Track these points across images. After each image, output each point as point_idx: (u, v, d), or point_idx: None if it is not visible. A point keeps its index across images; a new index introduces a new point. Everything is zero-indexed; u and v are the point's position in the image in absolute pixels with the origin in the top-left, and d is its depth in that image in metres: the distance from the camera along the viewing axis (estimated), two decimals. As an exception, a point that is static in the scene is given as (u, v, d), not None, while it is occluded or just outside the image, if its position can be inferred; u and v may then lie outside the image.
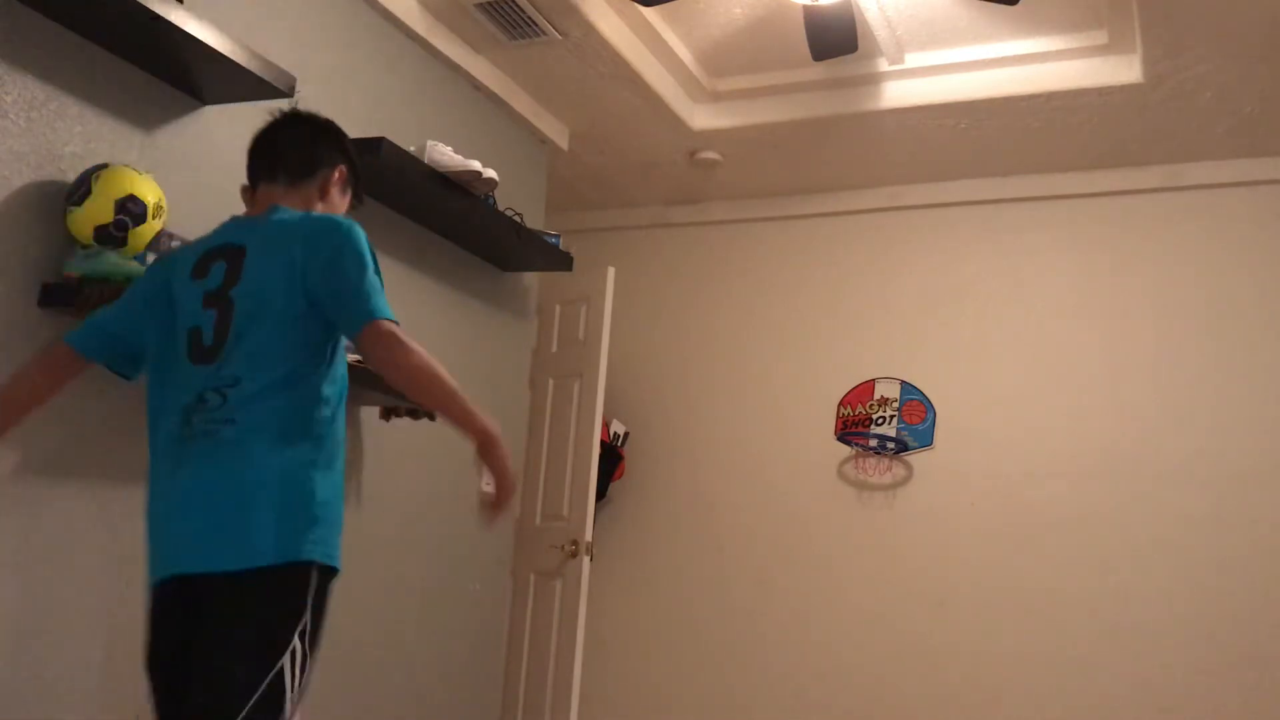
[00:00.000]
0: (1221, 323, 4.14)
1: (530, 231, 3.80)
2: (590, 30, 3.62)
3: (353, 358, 2.45)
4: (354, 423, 3.30)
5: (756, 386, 4.87)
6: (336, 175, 2.15)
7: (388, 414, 3.36)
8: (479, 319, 3.95)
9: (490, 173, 3.43)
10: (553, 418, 4.46)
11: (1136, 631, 4.02)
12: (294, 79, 2.72)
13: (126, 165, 2.46)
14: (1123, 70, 3.71)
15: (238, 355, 1.91)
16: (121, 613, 2.59)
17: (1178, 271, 4.24)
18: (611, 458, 4.82)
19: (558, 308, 4.55)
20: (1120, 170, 4.36)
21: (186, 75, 2.67)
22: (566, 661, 4.12)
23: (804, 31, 3.39)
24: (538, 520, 4.41)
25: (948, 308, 4.59)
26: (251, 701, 1.78)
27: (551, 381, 4.50)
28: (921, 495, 4.48)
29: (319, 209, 2.11)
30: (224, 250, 2.01)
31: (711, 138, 4.43)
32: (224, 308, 1.94)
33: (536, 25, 3.60)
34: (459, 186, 3.38)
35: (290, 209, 2.05)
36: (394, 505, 3.50)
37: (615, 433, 4.88)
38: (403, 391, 1.96)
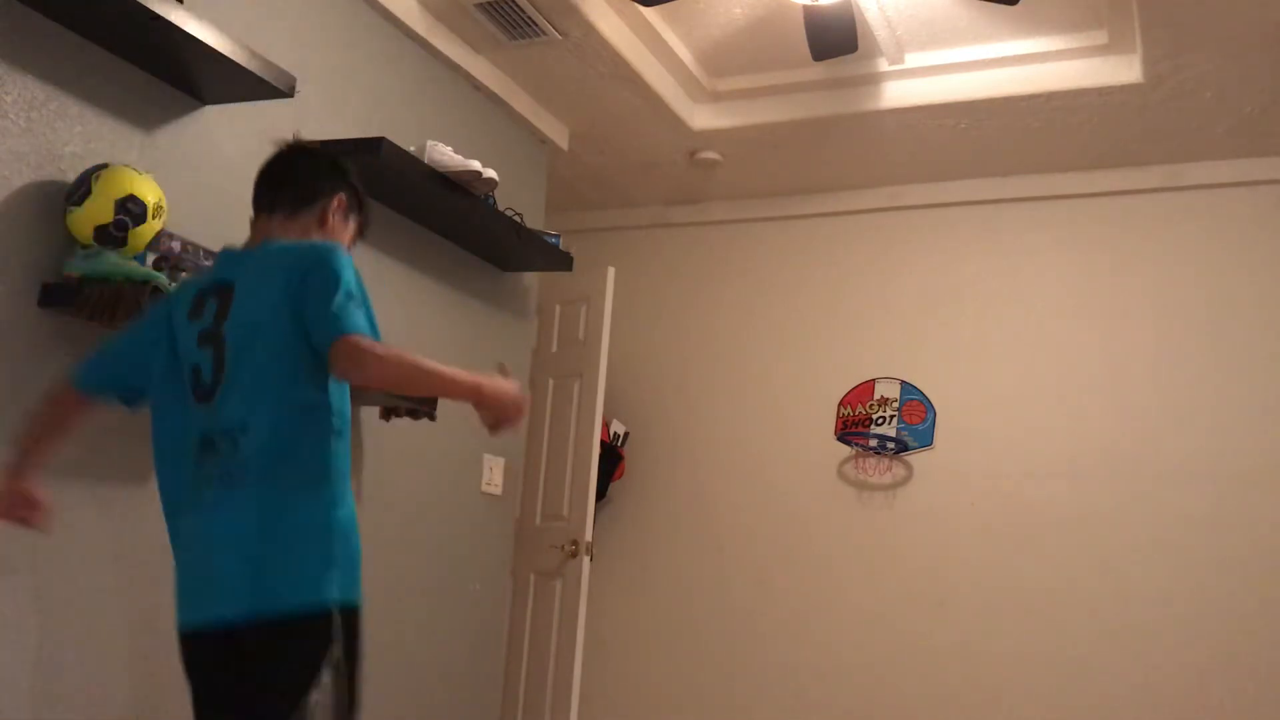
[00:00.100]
0: (1221, 323, 4.14)
1: (530, 231, 3.80)
2: (590, 30, 3.62)
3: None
4: (354, 423, 3.30)
5: (756, 386, 4.87)
6: (336, 204, 2.14)
7: (388, 414, 3.36)
8: (479, 319, 3.95)
9: (490, 173, 3.43)
10: (553, 418, 4.46)
11: (1136, 631, 4.02)
12: (294, 79, 2.72)
13: (126, 165, 2.46)
14: (1123, 70, 3.70)
15: (236, 392, 1.91)
16: (121, 612, 2.59)
17: (1178, 271, 4.24)
18: (611, 458, 4.82)
19: (558, 308, 4.55)
20: (1120, 170, 4.36)
21: (186, 75, 2.67)
22: (566, 661, 4.12)
23: (804, 31, 3.39)
24: (538, 520, 4.41)
25: (948, 308, 4.59)
26: None
27: (551, 381, 4.50)
28: (921, 495, 4.48)
29: (317, 237, 2.10)
30: (216, 288, 2.01)
31: (711, 138, 4.43)
32: (218, 345, 1.95)
33: (536, 25, 3.60)
34: (459, 186, 3.38)
35: (284, 239, 2.05)
36: (394, 505, 3.50)
37: (615, 433, 4.88)
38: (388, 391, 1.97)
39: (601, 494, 4.74)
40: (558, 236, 3.98)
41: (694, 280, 5.11)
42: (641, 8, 3.49)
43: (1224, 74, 3.59)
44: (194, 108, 2.79)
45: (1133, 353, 4.24)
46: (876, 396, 4.62)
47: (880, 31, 3.73)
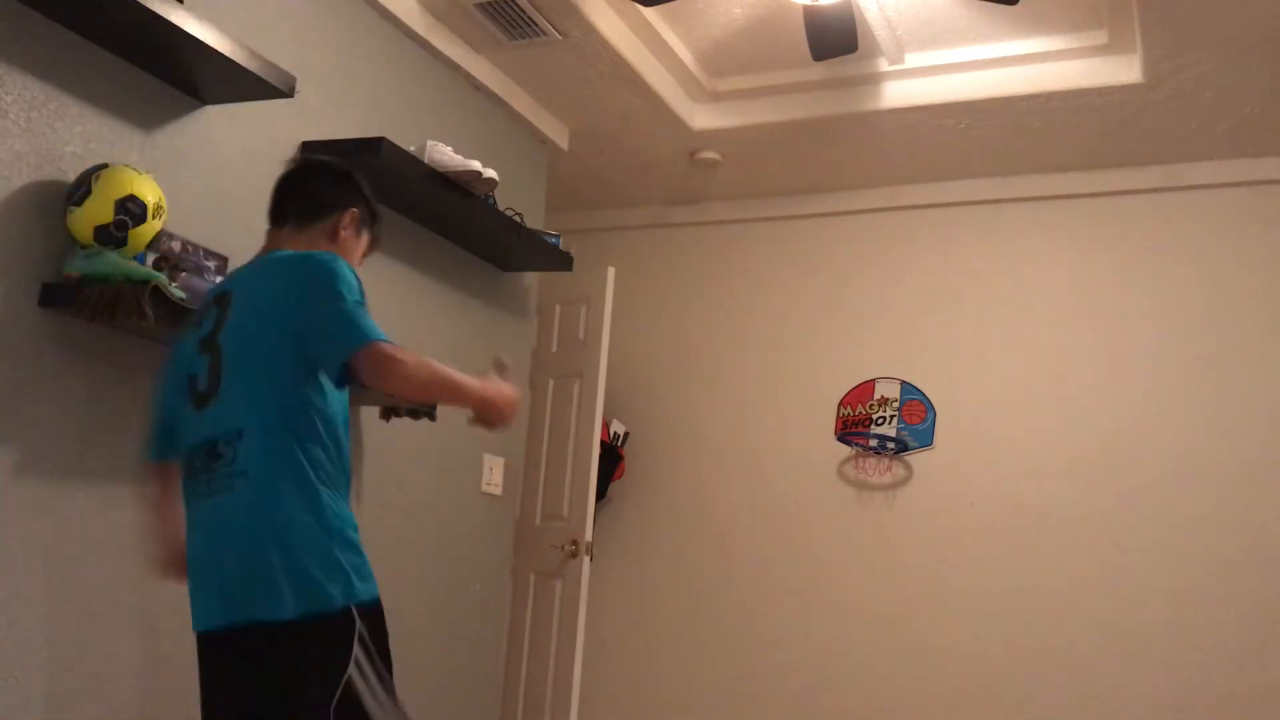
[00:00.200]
0: (1221, 322, 4.14)
1: (530, 231, 3.80)
2: (590, 30, 3.62)
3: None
4: (354, 423, 3.30)
5: (756, 386, 4.87)
6: (347, 218, 2.17)
7: (388, 414, 3.36)
8: (479, 319, 3.95)
9: (490, 173, 3.43)
10: (553, 418, 4.46)
11: (1136, 630, 4.02)
12: (294, 79, 2.72)
13: (126, 165, 2.46)
14: (1123, 70, 3.70)
15: (231, 399, 1.94)
16: (128, 612, 2.59)
17: (1178, 271, 4.24)
18: (611, 458, 4.82)
19: (558, 308, 4.55)
20: (1120, 170, 4.36)
21: (186, 75, 2.67)
22: (566, 661, 4.12)
23: (804, 31, 3.39)
24: (538, 520, 4.41)
25: (948, 308, 4.59)
26: None
27: (551, 381, 4.50)
28: (921, 495, 4.48)
29: (326, 248, 2.11)
30: (218, 298, 2.06)
31: (711, 138, 4.43)
32: (215, 352, 1.98)
33: (536, 25, 3.60)
34: (459, 186, 3.38)
35: (290, 250, 2.07)
36: (394, 505, 3.50)
37: (615, 433, 4.88)
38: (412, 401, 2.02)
39: (601, 494, 4.74)
40: (558, 236, 3.97)
41: (694, 280, 5.11)
42: (641, 8, 3.49)
43: (1224, 74, 3.59)
44: (194, 108, 2.79)
45: (1132, 352, 4.24)
46: (876, 396, 4.62)
47: (880, 31, 3.73)
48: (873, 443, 4.57)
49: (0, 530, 2.33)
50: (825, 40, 3.39)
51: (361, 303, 1.95)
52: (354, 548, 1.96)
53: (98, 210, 2.36)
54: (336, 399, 2.02)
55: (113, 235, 2.38)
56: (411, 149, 3.27)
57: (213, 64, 2.57)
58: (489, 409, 2.06)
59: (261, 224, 2.97)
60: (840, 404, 4.68)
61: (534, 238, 3.81)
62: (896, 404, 4.57)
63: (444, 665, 3.76)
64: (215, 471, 1.93)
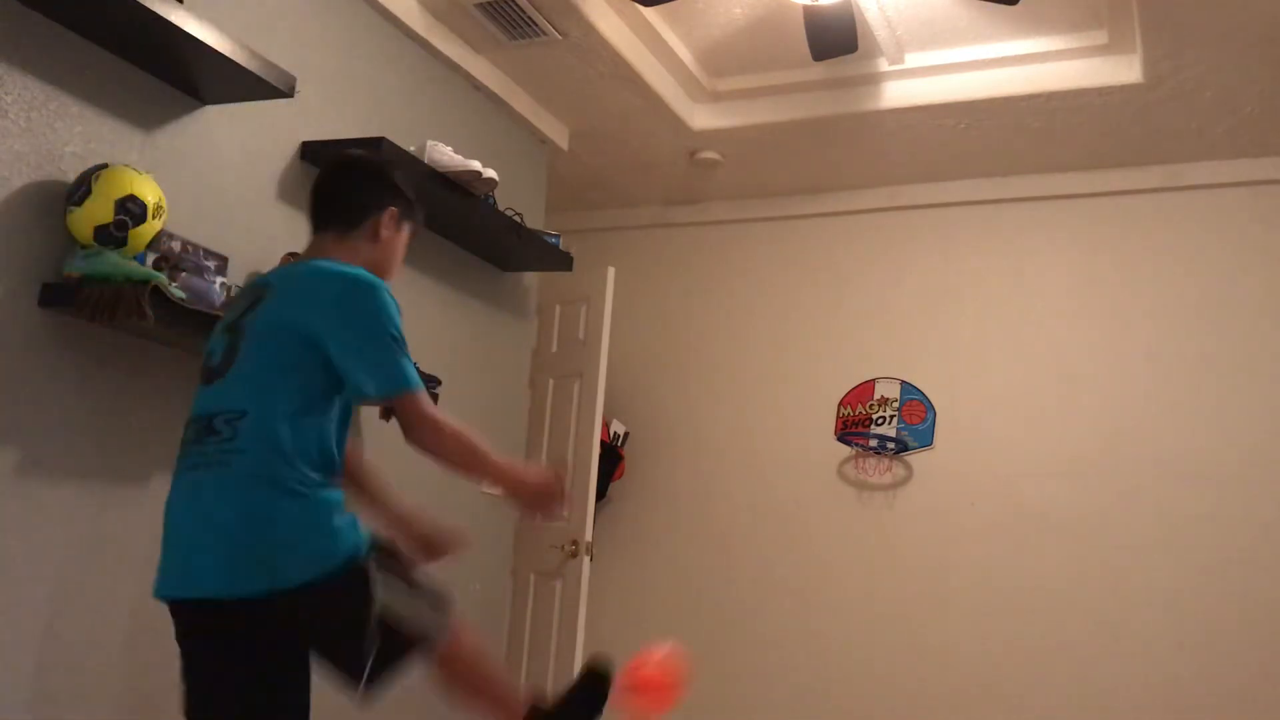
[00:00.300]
0: (1221, 322, 4.13)
1: (530, 231, 3.79)
2: (590, 30, 3.62)
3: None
4: (354, 423, 3.30)
5: (756, 386, 4.87)
6: (386, 217, 2.19)
7: (388, 414, 3.35)
8: (479, 319, 3.95)
9: (490, 173, 3.43)
10: (553, 418, 4.45)
11: (1136, 630, 4.02)
12: (294, 79, 2.72)
13: (126, 165, 2.46)
14: (1123, 70, 3.70)
15: (240, 380, 1.96)
16: (121, 612, 2.59)
17: (1178, 271, 4.24)
18: (611, 458, 4.81)
19: (558, 308, 4.55)
20: (1120, 170, 4.35)
21: (186, 75, 2.67)
22: (566, 661, 4.11)
23: (804, 31, 3.39)
24: (538, 520, 4.40)
25: (948, 308, 4.58)
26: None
27: (551, 381, 4.50)
28: (921, 495, 4.48)
29: (369, 251, 2.16)
30: (256, 287, 2.10)
31: (711, 138, 4.43)
32: (235, 335, 2.01)
33: (536, 25, 3.60)
34: (459, 186, 3.38)
35: (333, 260, 2.09)
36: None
37: (615, 433, 4.88)
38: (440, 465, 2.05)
39: (601, 494, 4.73)
40: (558, 236, 3.97)
41: (694, 280, 5.11)
42: (641, 8, 3.49)
43: (1224, 74, 3.59)
44: (194, 108, 2.79)
45: (1132, 352, 4.24)
46: (876, 396, 4.62)
47: (880, 31, 3.73)
48: (873, 443, 4.57)
49: (0, 529, 2.34)
50: (825, 40, 3.39)
51: (401, 339, 2.01)
52: (342, 509, 1.99)
53: (98, 210, 2.36)
54: (340, 406, 2.04)
55: (113, 235, 2.38)
56: (411, 149, 3.27)
57: (213, 64, 2.57)
58: (523, 493, 2.13)
59: (262, 224, 2.97)
60: (840, 404, 4.68)
61: (534, 238, 3.81)
62: (896, 404, 4.57)
63: (444, 665, 3.76)
64: (207, 446, 1.94)
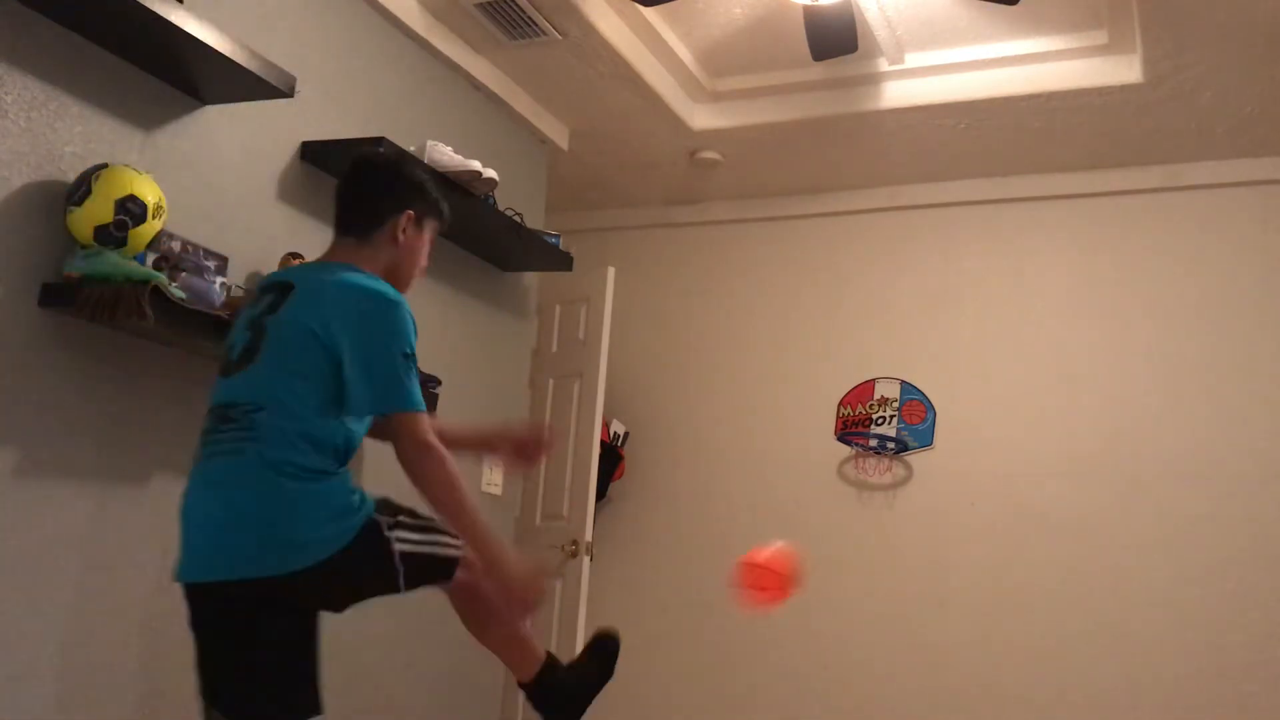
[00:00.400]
0: (1221, 322, 4.14)
1: (530, 231, 3.80)
2: (590, 30, 3.62)
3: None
4: (354, 423, 3.30)
5: (756, 386, 4.87)
6: (404, 220, 2.21)
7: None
8: (479, 319, 3.95)
9: (490, 173, 3.43)
10: (553, 418, 4.45)
11: (1136, 630, 4.02)
12: (294, 79, 2.72)
13: (126, 165, 2.46)
14: (1123, 70, 3.70)
15: (260, 375, 1.99)
16: (122, 611, 2.59)
17: (1178, 271, 4.24)
18: (611, 458, 4.81)
19: (558, 308, 4.55)
20: (1120, 170, 4.36)
21: (186, 75, 2.67)
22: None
23: (804, 31, 3.39)
24: (538, 520, 4.41)
25: (948, 308, 4.58)
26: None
27: (551, 381, 4.50)
28: (921, 495, 4.48)
29: (388, 255, 2.18)
30: (279, 285, 2.11)
31: (711, 138, 4.43)
32: (257, 332, 2.03)
33: (536, 25, 3.60)
34: (459, 186, 3.38)
35: (355, 268, 2.11)
36: (394, 505, 3.49)
37: (615, 433, 4.88)
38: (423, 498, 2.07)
39: (601, 494, 4.73)
40: (558, 236, 3.98)
41: (694, 280, 5.11)
42: (641, 8, 3.49)
43: (1224, 74, 3.59)
44: (194, 108, 2.79)
45: (1132, 352, 4.24)
46: (876, 396, 4.62)
47: (880, 31, 3.73)
48: (873, 443, 4.57)
49: (0, 530, 2.34)
50: (825, 40, 3.39)
51: (412, 357, 2.03)
52: (352, 487, 2.04)
53: (98, 210, 2.36)
54: (358, 426, 2.11)
55: (113, 235, 2.38)
56: (411, 149, 3.27)
57: (213, 64, 2.57)
58: (498, 575, 2.16)
59: (262, 224, 2.98)
60: (840, 404, 4.68)
61: (534, 238, 3.81)
62: (896, 404, 4.57)
63: (444, 665, 3.76)
64: (225, 433, 1.97)
